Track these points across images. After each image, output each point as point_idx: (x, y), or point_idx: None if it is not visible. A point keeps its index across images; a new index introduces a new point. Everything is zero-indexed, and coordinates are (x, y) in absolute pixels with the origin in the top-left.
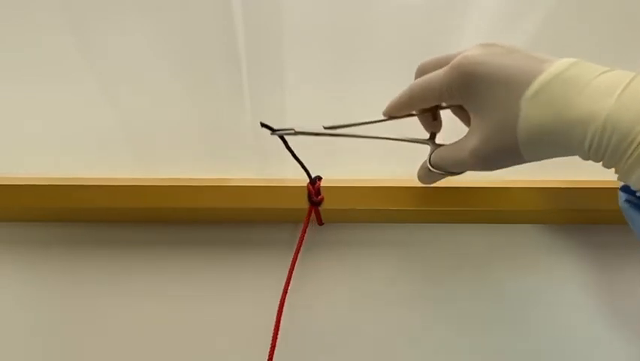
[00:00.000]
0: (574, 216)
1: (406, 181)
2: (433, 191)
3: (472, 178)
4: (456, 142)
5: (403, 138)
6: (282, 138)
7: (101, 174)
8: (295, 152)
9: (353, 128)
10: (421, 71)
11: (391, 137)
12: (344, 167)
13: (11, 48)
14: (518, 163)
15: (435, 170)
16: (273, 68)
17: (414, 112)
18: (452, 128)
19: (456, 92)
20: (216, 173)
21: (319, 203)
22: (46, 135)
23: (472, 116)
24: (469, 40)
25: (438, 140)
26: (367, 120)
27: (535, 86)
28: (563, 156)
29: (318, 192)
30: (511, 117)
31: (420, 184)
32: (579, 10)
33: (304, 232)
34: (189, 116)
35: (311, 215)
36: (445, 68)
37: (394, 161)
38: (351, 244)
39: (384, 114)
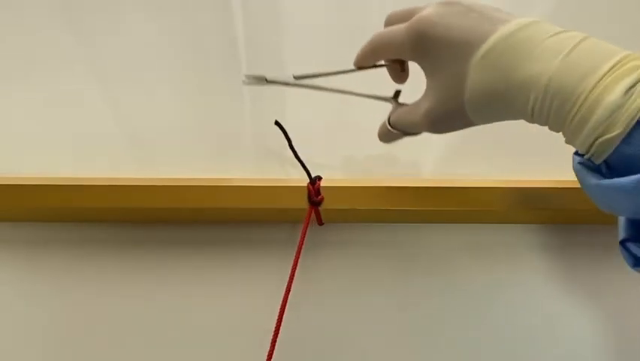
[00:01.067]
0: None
1: (406, 181)
2: (434, 191)
3: (473, 178)
4: (413, 103)
5: (366, 93)
6: (286, 136)
7: (101, 174)
8: (295, 148)
9: (323, 79)
10: (388, 22)
11: (355, 91)
12: (344, 167)
13: (11, 48)
14: (468, 126)
15: (392, 129)
16: (273, 68)
17: (383, 62)
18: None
19: (411, 52)
20: (216, 173)
21: (319, 203)
22: (46, 135)
23: (426, 77)
24: None
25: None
26: (336, 70)
27: (483, 48)
28: (511, 119)
29: (318, 192)
30: (459, 80)
31: (421, 184)
32: (579, 10)
33: (305, 232)
34: (189, 117)
35: (311, 215)
36: (402, 26)
37: (394, 161)
38: (351, 244)
39: (354, 65)
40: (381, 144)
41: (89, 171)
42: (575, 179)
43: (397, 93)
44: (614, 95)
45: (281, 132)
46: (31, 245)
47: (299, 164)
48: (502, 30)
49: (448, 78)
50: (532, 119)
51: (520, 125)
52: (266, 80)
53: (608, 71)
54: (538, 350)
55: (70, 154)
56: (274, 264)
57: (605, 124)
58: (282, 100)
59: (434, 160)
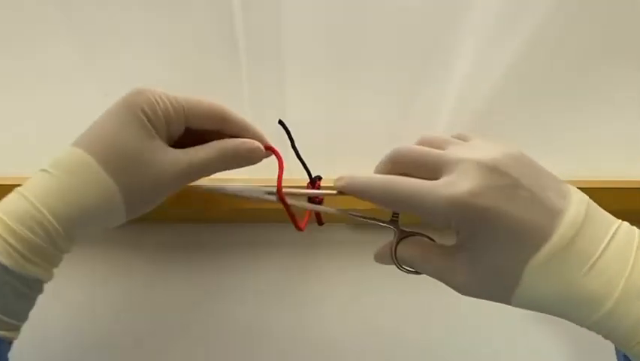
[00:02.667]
0: None
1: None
2: None
3: None
4: (430, 248)
5: (359, 215)
6: (288, 134)
7: None
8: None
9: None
10: (399, 163)
11: (347, 210)
12: (344, 167)
13: (11, 48)
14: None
15: (400, 267)
16: (273, 67)
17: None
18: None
19: (452, 228)
20: (216, 173)
21: (319, 203)
22: (46, 136)
23: (464, 244)
24: (468, 41)
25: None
26: (313, 191)
27: (542, 255)
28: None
29: None
30: (509, 278)
31: None
32: (579, 11)
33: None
34: None
35: (311, 214)
36: (439, 197)
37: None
38: (351, 244)
39: (339, 187)
40: (382, 144)
41: None
42: (577, 178)
43: (396, 215)
44: None
45: (281, 132)
46: None
47: (300, 164)
48: (562, 233)
49: (494, 268)
50: (588, 328)
51: (518, 125)
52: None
53: None
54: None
55: None
56: (274, 264)
57: None
58: (282, 100)
59: None
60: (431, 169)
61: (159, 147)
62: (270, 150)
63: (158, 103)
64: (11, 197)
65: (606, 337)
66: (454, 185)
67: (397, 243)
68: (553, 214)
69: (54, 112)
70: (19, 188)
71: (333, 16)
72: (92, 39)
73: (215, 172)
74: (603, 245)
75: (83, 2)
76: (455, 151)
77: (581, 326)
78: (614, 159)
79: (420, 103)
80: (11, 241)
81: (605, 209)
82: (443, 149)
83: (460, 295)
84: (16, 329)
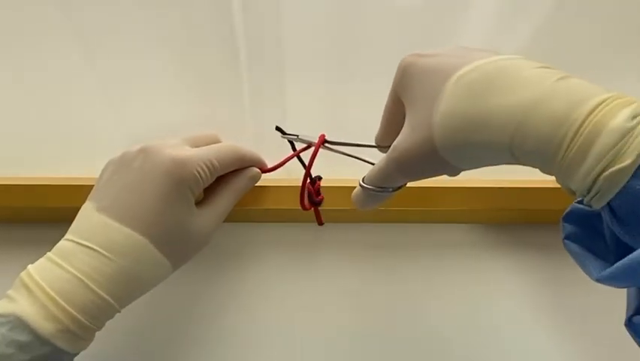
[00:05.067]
0: None
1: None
2: (434, 191)
3: (476, 178)
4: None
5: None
6: (291, 143)
7: None
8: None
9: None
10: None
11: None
12: (344, 167)
13: (11, 48)
14: (443, 171)
15: (365, 185)
16: (273, 67)
17: None
18: None
19: (398, 88)
20: None
21: (319, 203)
22: (46, 135)
23: (406, 116)
24: (469, 42)
25: None
26: (371, 144)
27: (460, 72)
28: (489, 161)
29: (318, 192)
30: (431, 104)
31: (421, 184)
32: (578, 11)
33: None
34: (189, 117)
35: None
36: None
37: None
38: (351, 244)
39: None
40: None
41: (89, 171)
42: None
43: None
44: (620, 119)
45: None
46: (30, 245)
47: (300, 164)
48: (483, 57)
49: (420, 104)
50: (514, 156)
51: None
52: (297, 136)
53: (604, 101)
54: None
55: (70, 154)
56: (274, 264)
57: (611, 153)
58: (282, 100)
59: None
60: None
61: (196, 213)
62: (267, 172)
63: (201, 176)
64: (73, 282)
65: (533, 157)
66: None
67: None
68: (480, 55)
69: (54, 112)
70: (77, 273)
71: (333, 16)
72: (91, 39)
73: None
74: (528, 67)
75: (82, 2)
76: None
77: (511, 158)
78: None
79: None
80: (77, 331)
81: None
82: None
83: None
84: None
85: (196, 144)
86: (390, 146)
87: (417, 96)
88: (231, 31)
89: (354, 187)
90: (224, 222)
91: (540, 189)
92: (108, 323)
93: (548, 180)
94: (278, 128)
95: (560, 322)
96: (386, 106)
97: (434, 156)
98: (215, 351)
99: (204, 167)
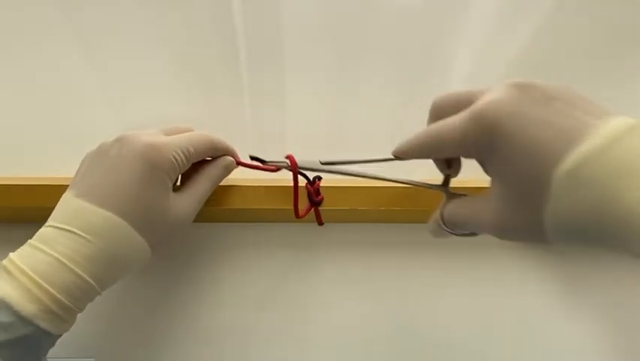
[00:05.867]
0: None
1: (406, 181)
2: (436, 192)
3: (472, 178)
4: (472, 200)
5: (410, 181)
6: (297, 172)
7: None
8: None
9: (352, 165)
10: (436, 110)
11: (396, 179)
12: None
13: (11, 48)
14: (548, 244)
15: (447, 228)
16: (274, 68)
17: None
18: None
19: (474, 146)
20: None
21: (319, 203)
22: (46, 135)
23: (491, 176)
24: (468, 41)
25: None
26: (369, 158)
27: (571, 161)
28: (610, 251)
29: (318, 192)
30: (538, 194)
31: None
32: (578, 11)
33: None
34: (189, 117)
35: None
36: (462, 117)
37: (395, 161)
38: (351, 244)
39: (393, 154)
40: (381, 144)
41: None
42: None
43: (447, 178)
44: None
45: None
46: None
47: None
48: (597, 137)
49: (522, 187)
50: (634, 254)
51: None
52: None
53: None
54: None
55: (70, 154)
56: (274, 264)
57: None
58: (282, 100)
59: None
60: (463, 104)
61: (173, 197)
62: (240, 165)
63: (177, 161)
64: (54, 265)
65: None
66: (475, 103)
67: (445, 205)
68: (590, 121)
69: (54, 112)
70: (58, 255)
71: (333, 16)
72: (91, 39)
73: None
74: None
75: (82, 2)
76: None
77: (627, 253)
78: None
79: (420, 103)
80: (58, 312)
81: None
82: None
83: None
84: None
85: (171, 134)
86: (402, 158)
87: (511, 170)
88: (231, 31)
89: (354, 187)
90: (223, 221)
91: None
92: (87, 325)
93: None
94: (254, 158)
95: (575, 319)
96: (437, 141)
97: (540, 235)
98: (213, 351)
99: (180, 153)
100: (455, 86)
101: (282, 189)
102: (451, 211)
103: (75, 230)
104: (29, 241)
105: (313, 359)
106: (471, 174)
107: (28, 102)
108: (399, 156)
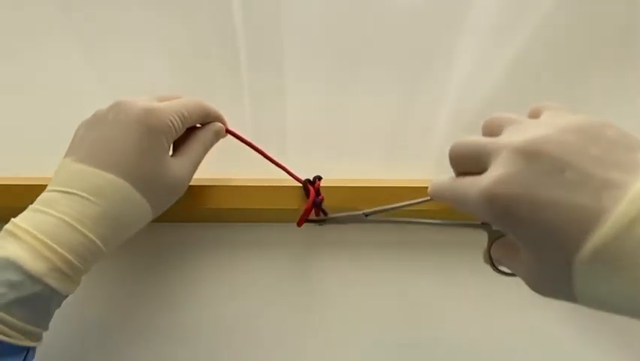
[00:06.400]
0: None
1: (406, 181)
2: None
3: None
4: (513, 250)
5: (449, 222)
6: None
7: None
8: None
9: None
10: (455, 163)
11: (436, 221)
12: (344, 167)
13: (11, 47)
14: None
15: (499, 271)
16: (274, 68)
17: None
18: None
19: (492, 224)
20: (216, 173)
21: (319, 203)
22: (46, 135)
23: (519, 244)
24: (468, 41)
25: None
26: (408, 202)
27: (589, 247)
28: None
29: (318, 192)
30: (563, 277)
31: (420, 184)
32: (579, 11)
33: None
34: None
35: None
36: (475, 194)
37: (395, 161)
38: (351, 244)
39: (429, 195)
40: (381, 144)
41: None
42: None
43: None
44: None
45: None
46: None
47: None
48: (617, 217)
49: (545, 268)
50: None
51: None
52: (335, 219)
53: None
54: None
55: None
56: (274, 264)
57: None
58: (282, 100)
59: (433, 160)
60: (480, 162)
61: (170, 160)
62: (229, 133)
63: (173, 125)
64: (60, 225)
65: None
66: (485, 177)
67: (490, 245)
68: (607, 193)
69: (54, 112)
70: (63, 216)
71: (333, 17)
72: (91, 40)
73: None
74: None
75: (82, 3)
76: (503, 137)
77: None
78: None
79: (420, 103)
80: (66, 270)
81: None
82: (500, 134)
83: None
84: (41, 337)
85: (163, 101)
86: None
87: (532, 249)
88: (231, 31)
89: (354, 187)
90: (222, 222)
91: None
92: (99, 323)
93: None
94: (308, 220)
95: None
96: (462, 204)
97: (571, 298)
98: (213, 352)
99: (176, 116)
100: (455, 85)
101: (281, 189)
102: (497, 256)
103: (78, 192)
104: (30, 206)
105: (312, 357)
106: None
107: (29, 102)
108: (431, 196)
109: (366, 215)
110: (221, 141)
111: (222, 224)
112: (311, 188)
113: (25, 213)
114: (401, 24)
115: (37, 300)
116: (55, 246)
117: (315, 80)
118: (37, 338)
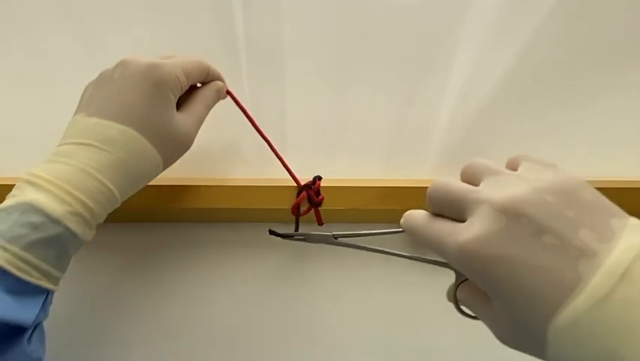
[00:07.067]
0: None
1: (405, 181)
2: None
3: None
4: (483, 297)
5: (418, 256)
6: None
7: None
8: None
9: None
10: (433, 205)
11: (406, 254)
12: (344, 167)
13: (11, 45)
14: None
15: (462, 310)
16: (273, 67)
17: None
18: None
19: (467, 277)
20: (216, 173)
21: (319, 203)
22: (46, 135)
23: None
24: (468, 42)
25: None
26: (380, 231)
27: (564, 317)
28: None
29: (318, 192)
30: (537, 340)
31: (420, 184)
32: (579, 11)
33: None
34: None
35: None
36: (451, 247)
37: (395, 161)
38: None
39: (402, 227)
40: (381, 144)
41: None
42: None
43: None
44: None
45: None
46: None
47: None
48: (593, 288)
49: (516, 326)
50: None
51: (518, 126)
52: (303, 238)
53: None
54: None
55: None
56: (274, 264)
57: None
58: (282, 100)
59: (433, 160)
60: (460, 210)
61: (177, 115)
62: (228, 94)
63: (179, 80)
64: (76, 173)
65: None
66: (465, 230)
67: (457, 285)
68: (584, 262)
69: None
70: (79, 164)
71: (333, 17)
72: (91, 40)
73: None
74: None
75: (83, 3)
76: (482, 189)
77: None
78: (614, 159)
79: (420, 103)
80: (85, 214)
81: None
82: (479, 183)
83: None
84: (58, 283)
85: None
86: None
87: (507, 312)
88: (231, 31)
89: (354, 187)
90: (222, 222)
91: None
92: (98, 323)
93: None
94: (272, 232)
95: None
96: (439, 250)
97: (541, 356)
98: (214, 350)
99: (180, 71)
100: (455, 85)
101: (281, 189)
102: (462, 298)
103: (93, 143)
104: (46, 157)
105: (313, 356)
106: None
107: (28, 102)
108: (404, 229)
109: (335, 237)
110: (221, 141)
111: (222, 224)
112: (296, 178)
113: (40, 164)
114: (401, 24)
115: (57, 242)
116: (74, 191)
117: (315, 80)
118: (56, 281)
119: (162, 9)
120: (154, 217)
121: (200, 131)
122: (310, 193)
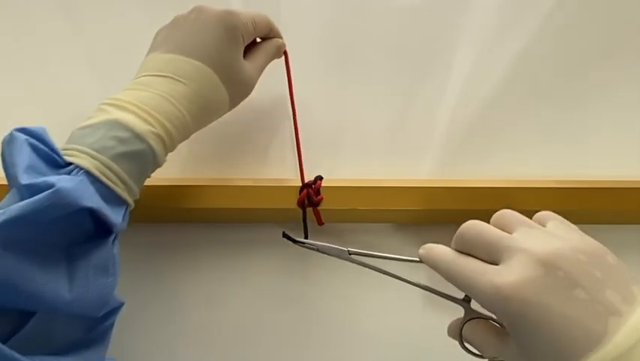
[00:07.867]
0: None
1: (406, 181)
2: (436, 191)
3: (472, 178)
4: (493, 332)
5: (433, 289)
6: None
7: None
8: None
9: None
10: (463, 243)
11: (420, 283)
12: (344, 167)
13: (10, 44)
14: None
15: (467, 347)
16: (273, 67)
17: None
18: None
19: (497, 317)
20: (216, 173)
21: (317, 203)
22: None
23: (513, 339)
24: (468, 41)
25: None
26: (396, 256)
27: (599, 356)
28: None
29: (317, 192)
30: None
31: (420, 184)
32: (579, 11)
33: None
34: None
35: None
36: (487, 287)
37: (395, 161)
38: (350, 244)
39: (420, 258)
40: (381, 144)
41: None
42: (575, 178)
43: (468, 297)
44: None
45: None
46: None
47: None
48: (616, 343)
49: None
50: None
51: (518, 125)
52: (315, 248)
53: None
54: None
55: None
56: (274, 264)
57: None
58: (282, 100)
59: (434, 160)
60: (492, 253)
61: (243, 61)
62: (284, 54)
63: (248, 28)
64: (155, 98)
65: None
66: (502, 274)
67: (465, 322)
68: (610, 319)
69: (55, 112)
70: (158, 92)
71: (334, 17)
72: (91, 40)
73: None
74: None
75: (83, 3)
76: (519, 237)
77: None
78: (613, 160)
79: (420, 103)
80: (164, 137)
81: (603, 209)
82: (512, 232)
83: None
84: (133, 201)
85: None
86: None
87: (535, 351)
88: None
89: (354, 187)
90: (222, 222)
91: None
92: None
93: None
94: (285, 235)
95: None
96: (466, 287)
97: None
98: (212, 350)
99: (251, 21)
100: (455, 85)
101: (281, 189)
102: (470, 335)
103: (170, 75)
104: (125, 86)
105: (313, 356)
106: (464, 169)
107: (28, 100)
108: (424, 261)
109: (350, 253)
110: (220, 141)
111: (222, 224)
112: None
113: (122, 92)
114: (401, 23)
115: (141, 158)
116: (155, 114)
117: (315, 80)
118: (134, 196)
119: (162, 9)
120: (158, 218)
121: (201, 131)
122: (310, 192)
